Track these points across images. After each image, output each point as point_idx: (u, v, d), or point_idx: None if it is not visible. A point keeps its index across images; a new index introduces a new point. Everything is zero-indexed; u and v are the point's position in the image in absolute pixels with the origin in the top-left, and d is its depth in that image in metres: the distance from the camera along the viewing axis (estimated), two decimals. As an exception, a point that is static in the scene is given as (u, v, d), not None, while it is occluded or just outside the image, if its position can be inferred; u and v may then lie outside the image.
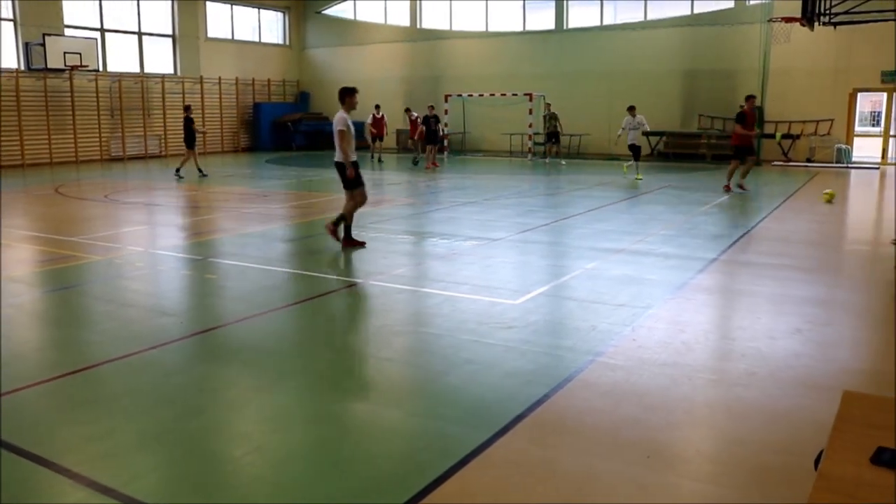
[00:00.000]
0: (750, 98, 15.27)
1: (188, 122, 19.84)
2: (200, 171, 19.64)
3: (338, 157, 9.53)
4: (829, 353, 5.52)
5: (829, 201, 13.67)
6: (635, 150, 18.63)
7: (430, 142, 21.91)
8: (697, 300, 7.00)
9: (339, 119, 9.48)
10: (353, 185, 9.53)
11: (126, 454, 3.92)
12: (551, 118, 23.16)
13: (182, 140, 20.05)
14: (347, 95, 9.57)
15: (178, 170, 19.55)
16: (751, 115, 15.11)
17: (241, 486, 3.63)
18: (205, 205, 14.70)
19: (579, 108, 26.16)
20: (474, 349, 5.52)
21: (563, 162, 23.25)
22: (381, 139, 23.87)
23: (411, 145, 24.31)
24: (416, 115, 23.55)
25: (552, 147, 23.41)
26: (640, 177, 18.16)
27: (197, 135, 19.93)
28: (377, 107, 23.63)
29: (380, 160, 23.51)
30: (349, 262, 9.04)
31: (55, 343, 6.01)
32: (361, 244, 9.61)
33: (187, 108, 20.48)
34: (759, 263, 8.64)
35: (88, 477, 3.61)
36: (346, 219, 9.57)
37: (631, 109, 18.46)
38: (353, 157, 9.45)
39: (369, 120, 23.80)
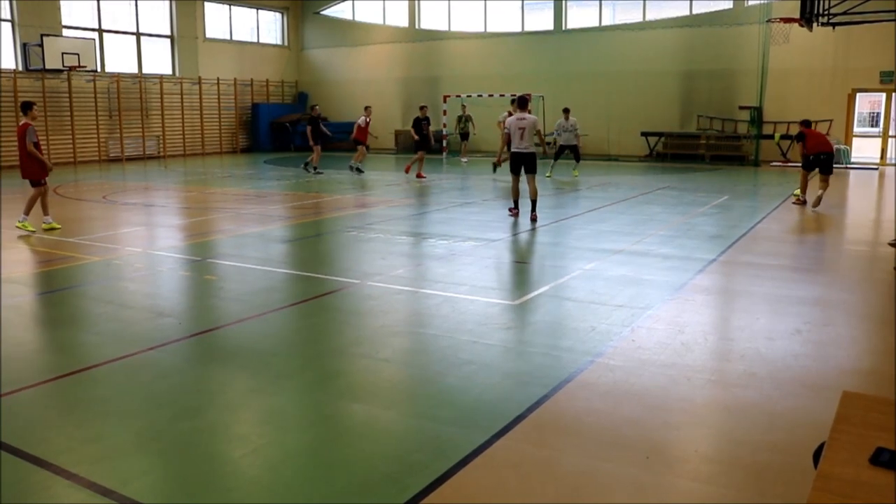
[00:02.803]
0: None
1: (315, 121, 20.43)
2: (315, 168, 20.24)
3: (532, 149, 11.86)
4: (827, 353, 5.52)
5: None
6: (573, 150, 19.15)
7: (421, 147, 19.00)
8: (696, 301, 7.00)
9: (537, 121, 12.10)
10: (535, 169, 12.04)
11: (124, 455, 3.91)
12: (466, 120, 23.75)
13: (310, 137, 20.32)
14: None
15: (306, 165, 20.54)
16: None
17: (238, 487, 3.62)
18: (203, 206, 14.70)
19: (577, 108, 25.98)
20: (473, 350, 5.51)
21: (465, 160, 23.82)
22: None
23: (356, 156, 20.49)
24: (367, 118, 20.30)
25: (465, 145, 24.18)
26: (576, 173, 18.91)
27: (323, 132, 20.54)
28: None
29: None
30: (348, 263, 9.03)
31: (54, 344, 6.00)
32: (513, 213, 12.27)
33: (314, 108, 21.22)
34: (757, 264, 8.64)
35: (87, 478, 3.60)
36: (536, 200, 12.00)
37: (566, 112, 19.20)
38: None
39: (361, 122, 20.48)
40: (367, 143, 20.50)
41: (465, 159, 24.01)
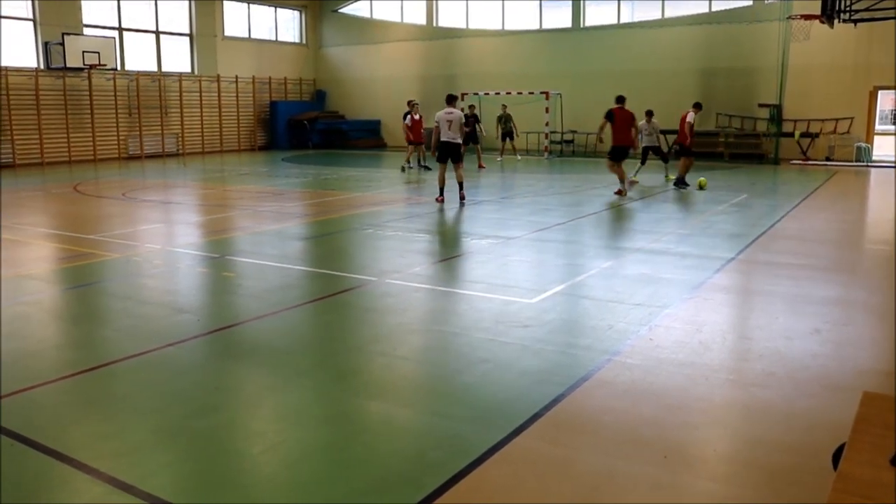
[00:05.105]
0: None
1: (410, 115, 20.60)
2: (410, 164, 20.85)
3: (459, 140, 13.46)
4: (847, 353, 5.47)
5: (702, 188, 15.41)
6: (657, 152, 17.91)
7: (474, 142, 21.04)
8: (715, 300, 6.96)
9: (462, 116, 13.64)
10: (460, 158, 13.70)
11: (143, 451, 3.94)
12: (506, 119, 23.70)
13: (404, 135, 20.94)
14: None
15: (420, 162, 20.90)
16: None
17: (255, 484, 3.64)
18: (221, 203, 14.78)
19: (595, 106, 25.85)
20: (490, 348, 5.51)
21: (520, 157, 24.18)
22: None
23: (418, 152, 20.96)
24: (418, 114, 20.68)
25: (508, 144, 24.08)
26: (670, 178, 17.47)
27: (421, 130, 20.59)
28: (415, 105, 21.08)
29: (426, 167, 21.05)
30: (365, 261, 9.05)
31: (73, 340, 6.06)
32: (440, 200, 13.53)
33: (410, 103, 20.89)
34: (777, 263, 8.58)
35: (107, 473, 3.63)
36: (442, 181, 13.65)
37: (648, 114, 17.70)
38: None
39: (408, 121, 20.40)
40: (415, 140, 20.45)
41: (519, 157, 24.34)
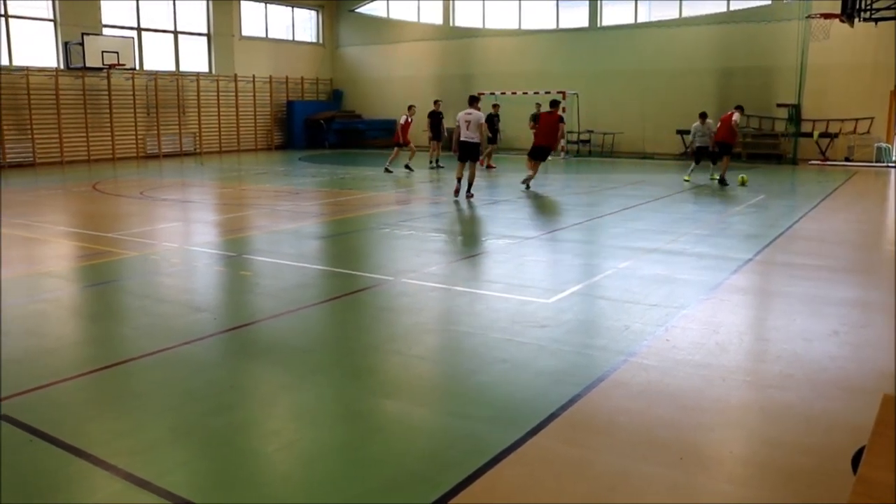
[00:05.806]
0: None
1: (438, 116, 20.74)
2: (437, 162, 20.98)
3: (476, 139, 13.95)
4: (866, 355, 5.42)
5: (743, 184, 16.18)
6: (706, 152, 17.73)
7: (489, 142, 20.15)
8: (732, 301, 6.92)
9: (482, 117, 14.19)
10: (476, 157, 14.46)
11: (159, 448, 3.97)
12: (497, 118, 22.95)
13: (428, 131, 21.28)
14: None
15: (433, 161, 21.08)
16: None
17: (270, 482, 3.65)
18: (238, 202, 14.84)
19: (612, 106, 25.97)
20: (506, 348, 5.50)
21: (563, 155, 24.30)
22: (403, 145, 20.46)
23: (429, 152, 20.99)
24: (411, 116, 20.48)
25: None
26: (715, 176, 17.34)
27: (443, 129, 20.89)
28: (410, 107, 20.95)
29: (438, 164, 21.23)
30: (382, 260, 9.06)
31: (91, 337, 6.10)
32: (457, 191, 14.13)
33: (437, 103, 21.16)
34: (795, 264, 8.51)
35: (124, 469, 3.66)
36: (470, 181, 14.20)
37: (702, 116, 17.39)
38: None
39: (402, 121, 20.40)
40: (404, 142, 20.38)
41: (562, 155, 24.02)
